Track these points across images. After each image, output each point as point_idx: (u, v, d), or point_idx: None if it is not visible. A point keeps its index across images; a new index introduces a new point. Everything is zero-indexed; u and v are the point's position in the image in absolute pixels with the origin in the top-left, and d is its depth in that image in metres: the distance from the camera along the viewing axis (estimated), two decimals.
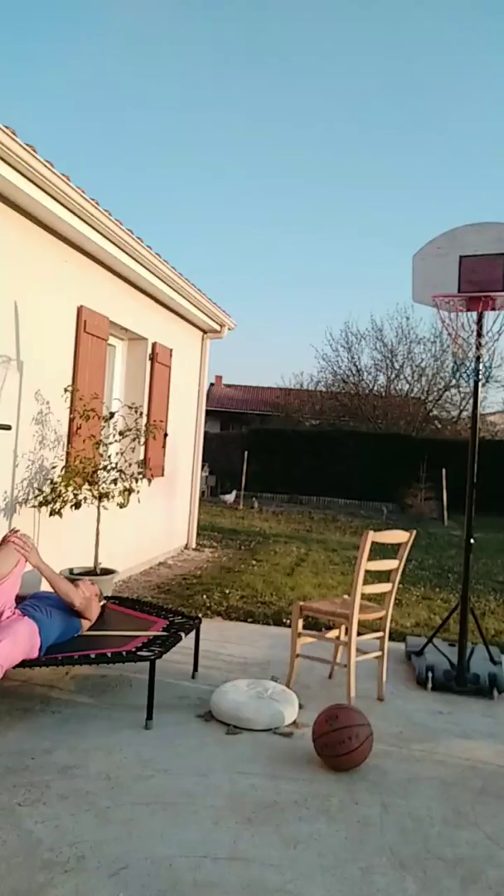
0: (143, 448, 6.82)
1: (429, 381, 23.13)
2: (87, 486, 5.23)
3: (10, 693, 3.73)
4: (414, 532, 4.22)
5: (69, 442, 5.62)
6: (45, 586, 5.24)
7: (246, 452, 16.87)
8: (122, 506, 5.44)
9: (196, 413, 9.06)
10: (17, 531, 3.85)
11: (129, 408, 6.14)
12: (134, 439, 5.81)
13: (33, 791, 2.75)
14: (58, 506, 5.06)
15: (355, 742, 3.03)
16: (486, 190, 42.01)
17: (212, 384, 30.71)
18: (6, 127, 3.95)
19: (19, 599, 3.86)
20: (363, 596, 3.93)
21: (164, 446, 7.69)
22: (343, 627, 4.16)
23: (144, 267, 6.35)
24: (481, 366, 4.35)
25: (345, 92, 39.55)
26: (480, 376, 4.36)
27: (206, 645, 4.69)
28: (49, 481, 5.29)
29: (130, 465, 6.07)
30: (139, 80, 42.47)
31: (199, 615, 5.27)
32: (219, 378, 32.17)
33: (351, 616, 3.84)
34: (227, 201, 48.13)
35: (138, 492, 5.71)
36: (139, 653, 3.51)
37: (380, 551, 4.51)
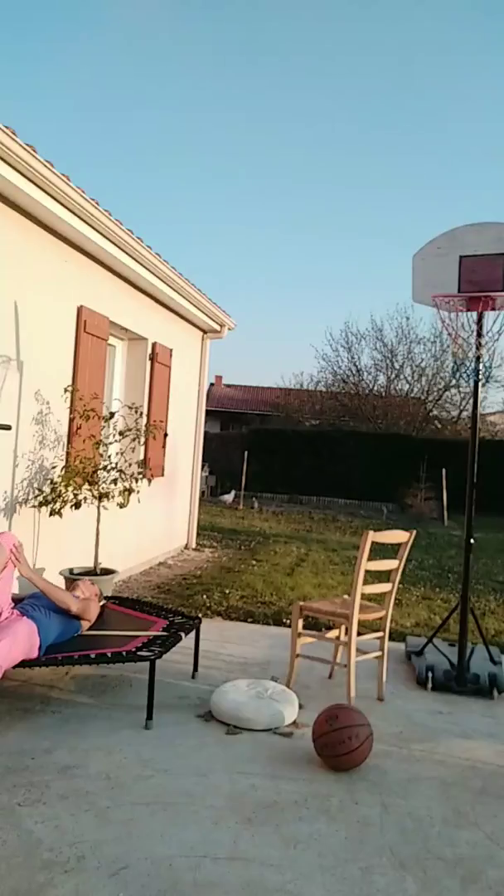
0: (143, 448, 6.82)
1: (429, 381, 23.14)
2: (87, 486, 5.23)
3: (10, 693, 3.73)
4: (414, 532, 4.22)
5: (69, 442, 5.62)
6: None
7: (246, 452, 16.87)
8: (122, 506, 5.44)
9: (196, 413, 9.06)
10: (9, 534, 3.82)
11: (129, 408, 6.14)
12: (134, 439, 5.81)
13: (33, 791, 2.75)
14: (58, 506, 5.06)
15: (355, 742, 3.03)
16: (486, 190, 42.04)
17: (212, 384, 30.71)
18: (6, 127, 3.95)
19: (18, 600, 3.86)
20: (363, 596, 3.93)
21: (164, 446, 7.69)
22: (343, 627, 4.16)
23: (144, 267, 6.36)
24: (481, 366, 4.35)
25: (345, 92, 39.58)
26: (480, 376, 4.36)
27: (206, 645, 4.69)
28: (49, 481, 5.29)
29: (130, 465, 6.07)
30: (139, 80, 42.50)
31: (199, 615, 5.27)
32: (219, 378, 32.17)
33: (351, 616, 3.84)
34: (227, 201, 48.16)
35: (138, 492, 5.71)
36: (139, 653, 3.51)
37: (380, 551, 4.51)
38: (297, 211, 45.65)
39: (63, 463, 5.52)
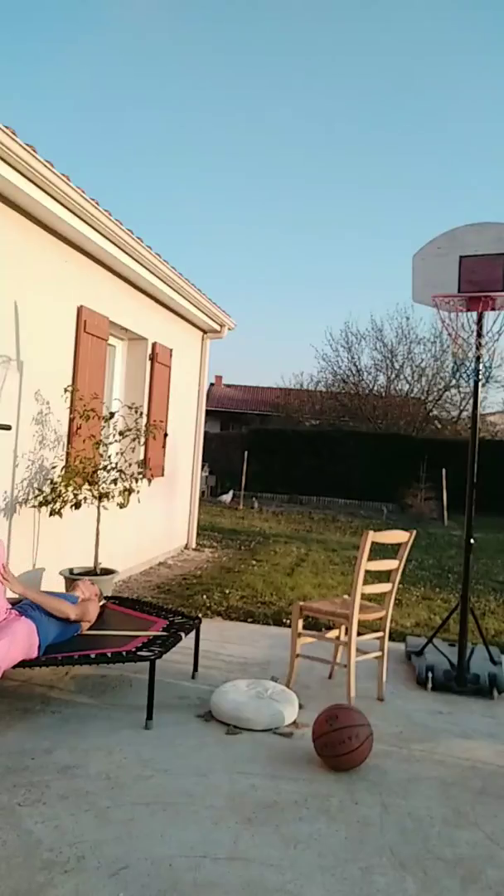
0: (143, 448, 6.82)
1: (429, 382, 23.14)
2: (87, 486, 5.23)
3: (10, 693, 3.73)
4: (414, 532, 4.22)
5: (69, 442, 5.62)
6: (43, 586, 5.26)
7: (246, 452, 16.87)
8: (122, 506, 5.44)
9: (196, 413, 9.06)
10: None
11: (129, 408, 6.14)
12: (134, 439, 5.81)
13: (33, 791, 2.75)
14: (58, 506, 5.06)
15: (355, 742, 3.03)
16: (486, 190, 42.03)
17: (212, 384, 30.71)
18: (6, 127, 3.95)
19: (17, 601, 3.86)
20: (363, 596, 3.93)
21: (164, 446, 7.69)
22: (343, 627, 4.16)
23: (144, 267, 6.36)
24: (481, 366, 4.35)
25: (345, 92, 39.58)
26: (480, 376, 4.36)
27: (206, 645, 4.69)
28: (49, 481, 5.29)
29: (130, 465, 6.07)
30: (139, 80, 42.48)
31: (199, 615, 5.27)
32: (219, 378, 32.17)
33: (351, 616, 3.84)
34: (227, 201, 48.15)
35: (138, 492, 5.71)
36: (139, 653, 3.51)
37: (380, 551, 4.51)
38: (297, 211, 45.68)
39: (63, 463, 5.52)
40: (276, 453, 18.81)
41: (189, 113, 42.88)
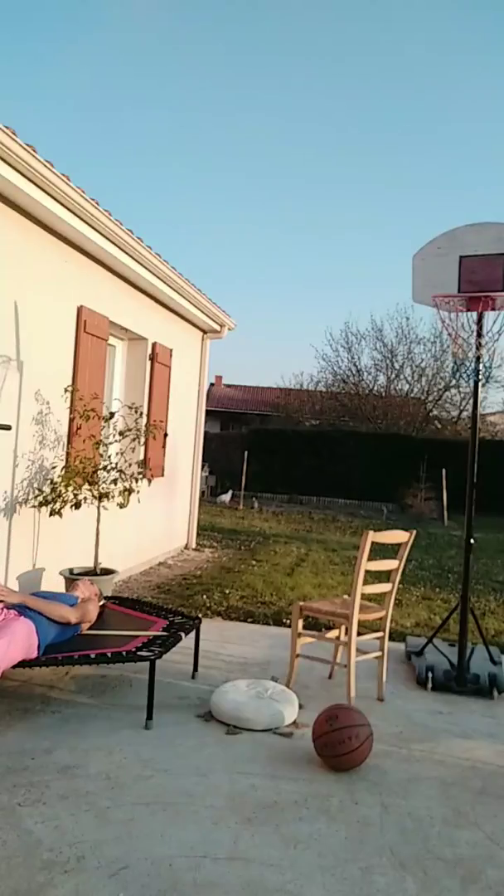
0: (143, 448, 6.82)
1: (429, 382, 23.14)
2: (87, 486, 5.23)
3: (10, 693, 3.73)
4: (414, 532, 4.22)
5: (69, 442, 5.62)
6: (43, 586, 5.26)
7: (246, 452, 16.87)
8: (122, 506, 5.44)
9: (196, 413, 9.06)
10: None
11: (129, 408, 6.14)
12: (134, 439, 5.81)
13: (33, 791, 2.75)
14: (58, 506, 5.06)
15: (355, 742, 3.03)
16: (486, 190, 42.04)
17: (212, 384, 30.71)
18: (6, 127, 3.95)
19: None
20: (363, 596, 3.93)
21: (164, 446, 7.69)
22: (343, 627, 4.16)
23: (144, 267, 6.36)
24: (481, 366, 4.35)
25: (345, 92, 39.58)
26: (480, 376, 4.36)
27: (206, 645, 4.69)
28: (49, 481, 5.29)
29: (130, 465, 6.07)
30: (139, 80, 42.47)
31: (199, 615, 5.27)
32: (219, 378, 32.17)
33: (351, 616, 3.84)
34: (228, 201, 48.14)
35: (138, 492, 5.71)
36: (139, 653, 3.51)
37: (380, 551, 4.51)
38: (297, 211, 45.67)
39: (63, 463, 5.52)
40: (276, 453, 18.81)
41: (189, 113, 42.89)
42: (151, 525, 7.61)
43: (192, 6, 36.04)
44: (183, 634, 3.85)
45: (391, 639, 4.97)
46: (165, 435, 7.69)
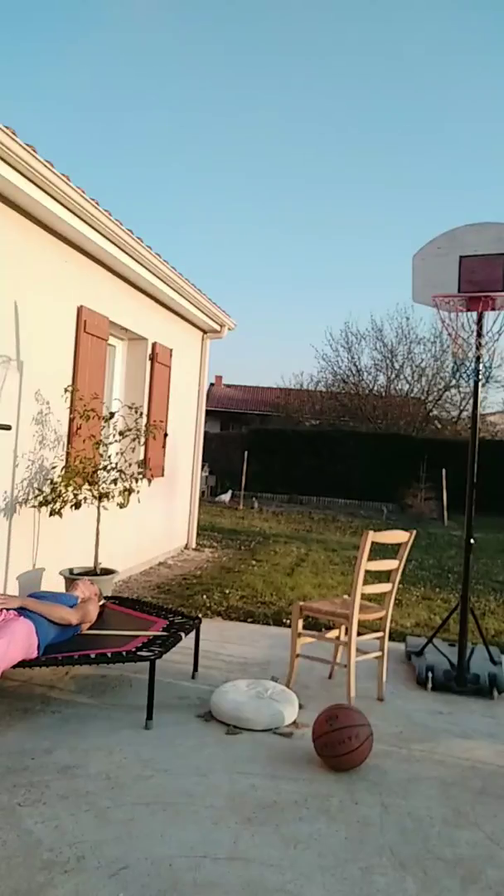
0: (143, 448, 6.82)
1: (429, 381, 23.15)
2: (87, 486, 5.23)
3: (10, 693, 3.73)
4: (414, 532, 4.22)
5: (69, 442, 5.62)
6: (43, 586, 5.26)
7: (246, 452, 16.87)
8: (122, 506, 5.44)
9: (196, 413, 9.06)
10: None
11: (129, 408, 6.14)
12: (134, 439, 5.81)
13: (33, 791, 2.75)
14: (58, 506, 5.06)
15: (355, 742, 3.03)
16: (486, 190, 42.03)
17: (212, 384, 30.71)
18: (6, 127, 3.95)
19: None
20: (363, 596, 3.93)
21: (164, 446, 7.69)
22: (343, 627, 4.16)
23: (144, 267, 6.36)
24: (481, 366, 4.35)
25: (345, 92, 39.57)
26: (480, 376, 4.36)
27: (206, 645, 4.69)
28: (49, 481, 5.29)
29: (130, 465, 6.07)
30: (139, 80, 42.47)
31: (199, 615, 5.27)
32: (219, 378, 32.17)
33: (351, 616, 3.84)
34: (228, 201, 48.15)
35: (138, 492, 5.71)
36: (139, 653, 3.51)
37: (380, 551, 4.51)
38: (297, 211, 45.67)
39: (63, 463, 5.52)
40: (276, 453, 18.81)
41: (189, 113, 42.88)
42: (151, 525, 7.61)
43: (192, 6, 36.04)
44: (183, 634, 3.85)
45: (391, 639, 4.97)
46: (165, 435, 7.69)
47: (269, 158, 44.37)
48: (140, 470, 6.10)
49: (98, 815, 2.60)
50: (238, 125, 42.75)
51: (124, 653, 3.53)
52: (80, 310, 5.70)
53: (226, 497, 16.14)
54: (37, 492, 5.19)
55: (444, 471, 14.86)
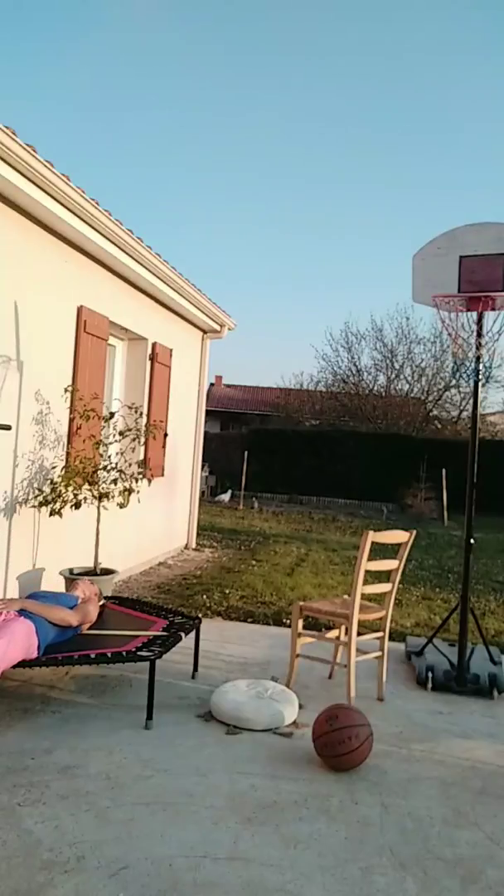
0: (143, 448, 6.82)
1: (429, 382, 23.14)
2: (87, 486, 5.23)
3: (10, 693, 3.73)
4: (414, 532, 4.22)
5: (69, 442, 5.62)
6: (43, 586, 5.26)
7: (246, 452, 16.87)
8: (122, 506, 5.44)
9: (196, 413, 9.06)
10: None
11: (129, 408, 6.14)
12: (134, 439, 5.81)
13: (33, 791, 2.75)
14: (58, 506, 5.06)
15: (355, 742, 3.03)
16: (486, 190, 42.03)
17: (212, 384, 30.71)
18: (6, 127, 3.95)
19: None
20: (363, 596, 3.93)
21: (164, 446, 7.69)
22: (343, 627, 4.16)
23: (144, 267, 6.36)
24: (481, 366, 4.35)
25: (345, 92, 39.57)
26: (480, 376, 4.36)
27: (206, 645, 4.69)
28: (49, 481, 5.29)
29: (130, 465, 6.07)
30: (139, 80, 42.47)
31: (199, 615, 5.27)
32: (219, 378, 32.16)
33: (351, 616, 3.84)
34: (227, 201, 48.15)
35: (138, 492, 5.71)
36: (139, 653, 3.51)
37: (380, 551, 4.51)
38: (297, 211, 45.67)
39: (63, 463, 5.52)
40: (276, 453, 18.81)
41: (189, 113, 42.89)
42: (151, 525, 7.61)
43: (192, 6, 36.03)
44: (183, 634, 3.85)
45: (391, 639, 4.97)
46: (165, 435, 7.69)
47: (269, 158, 44.39)
48: (140, 470, 6.10)
49: (98, 815, 2.60)
50: (238, 125, 42.76)
51: (124, 653, 3.53)
52: (80, 310, 5.70)
53: (226, 497, 16.15)
54: (37, 492, 5.19)
55: (444, 471, 14.86)
